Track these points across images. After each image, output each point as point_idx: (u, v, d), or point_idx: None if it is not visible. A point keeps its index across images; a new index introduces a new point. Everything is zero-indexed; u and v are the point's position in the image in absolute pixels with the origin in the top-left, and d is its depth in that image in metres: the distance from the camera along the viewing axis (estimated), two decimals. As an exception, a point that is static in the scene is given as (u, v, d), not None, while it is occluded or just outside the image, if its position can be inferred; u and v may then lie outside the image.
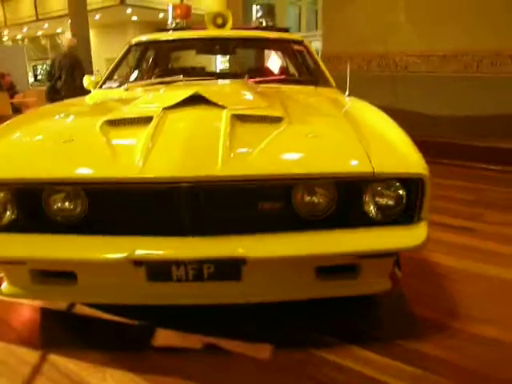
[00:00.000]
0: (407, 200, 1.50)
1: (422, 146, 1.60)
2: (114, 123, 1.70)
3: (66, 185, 1.48)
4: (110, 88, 2.85)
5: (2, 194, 1.51)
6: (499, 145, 4.79)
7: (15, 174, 1.49)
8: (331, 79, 2.92)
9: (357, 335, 1.77)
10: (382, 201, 1.51)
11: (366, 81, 5.36)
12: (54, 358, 1.65)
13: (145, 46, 3.41)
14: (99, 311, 1.94)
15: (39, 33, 21.70)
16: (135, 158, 1.46)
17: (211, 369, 1.59)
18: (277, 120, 1.70)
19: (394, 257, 1.65)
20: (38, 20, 18.64)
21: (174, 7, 3.38)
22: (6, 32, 19.55)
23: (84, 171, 1.48)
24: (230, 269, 1.49)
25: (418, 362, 1.60)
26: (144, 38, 3.18)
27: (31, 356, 1.67)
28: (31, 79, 16.93)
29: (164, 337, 1.78)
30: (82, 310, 1.97)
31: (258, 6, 3.47)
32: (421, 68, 5.33)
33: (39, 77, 20.96)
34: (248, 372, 1.58)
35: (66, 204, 1.51)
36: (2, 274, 1.71)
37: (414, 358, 1.62)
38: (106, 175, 1.45)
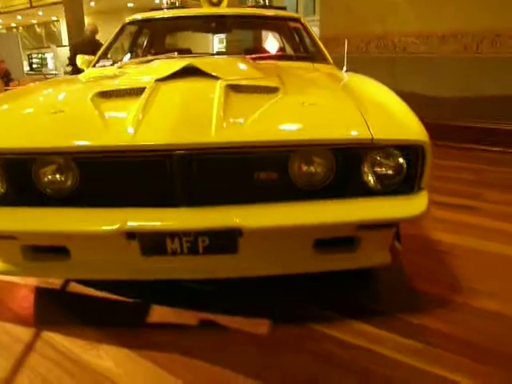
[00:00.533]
0: (407, 169, 1.46)
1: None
2: (106, 95, 1.66)
3: (57, 154, 1.43)
4: (104, 66, 2.79)
5: (-10, 167, 1.47)
6: (499, 126, 4.74)
7: (4, 144, 1.44)
8: (329, 56, 2.86)
9: (356, 309, 1.74)
10: (381, 170, 1.47)
11: (365, 62, 5.27)
12: (49, 336, 1.63)
13: (139, 26, 3.34)
14: (93, 289, 1.91)
15: (34, 21, 21.50)
16: (127, 126, 1.41)
17: (208, 344, 1.56)
18: (272, 90, 1.65)
19: (393, 229, 1.61)
20: (31, 7, 18.43)
21: (169, -14, 3.30)
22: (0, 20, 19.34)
23: (75, 140, 1.43)
24: (225, 241, 1.46)
25: (420, 336, 1.57)
26: (139, 16, 3.11)
27: (26, 334, 1.64)
28: (26, 68, 16.79)
29: (159, 313, 1.75)
30: (75, 287, 1.94)
31: (255, -15, 3.39)
32: (420, 49, 5.25)
33: (34, 66, 20.80)
34: (246, 347, 1.55)
35: (57, 176, 1.47)
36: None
37: (416, 332, 1.60)
38: (97, 143, 1.41)
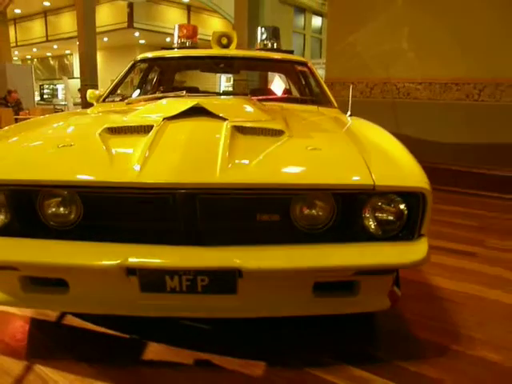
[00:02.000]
0: (408, 215, 1.48)
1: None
2: (114, 131, 1.69)
3: (62, 188, 1.45)
4: (113, 101, 2.86)
5: (-4, 197, 1.48)
6: (500, 172, 4.78)
7: (11, 175, 1.47)
8: (334, 100, 2.93)
9: (353, 355, 1.71)
10: (382, 216, 1.48)
11: (369, 107, 5.39)
12: (40, 369, 1.60)
13: (150, 64, 3.44)
14: (89, 323, 1.89)
15: (48, 53, 22.12)
16: (133, 164, 1.44)
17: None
18: (277, 133, 1.69)
19: (393, 274, 1.61)
20: (47, 41, 19.04)
21: (180, 27, 3.41)
22: (16, 52, 19.92)
23: (80, 175, 1.45)
24: (225, 281, 1.45)
25: (418, 385, 1.55)
26: (149, 54, 3.21)
27: (16, 367, 1.62)
28: (38, 98, 17.14)
29: (155, 351, 1.72)
30: (71, 320, 1.92)
31: (263, 28, 3.51)
32: (422, 95, 5.37)
33: (45, 96, 21.25)
34: (241, 389, 1.52)
35: (61, 209, 1.48)
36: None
37: (414, 380, 1.57)
38: (103, 179, 1.43)
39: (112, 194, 1.45)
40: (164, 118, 1.72)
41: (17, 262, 1.49)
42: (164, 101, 2.10)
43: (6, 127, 2.04)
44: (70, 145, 1.62)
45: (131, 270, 1.42)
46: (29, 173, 1.49)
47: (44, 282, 1.59)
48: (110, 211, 1.49)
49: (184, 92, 2.48)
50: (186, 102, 1.86)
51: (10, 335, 1.84)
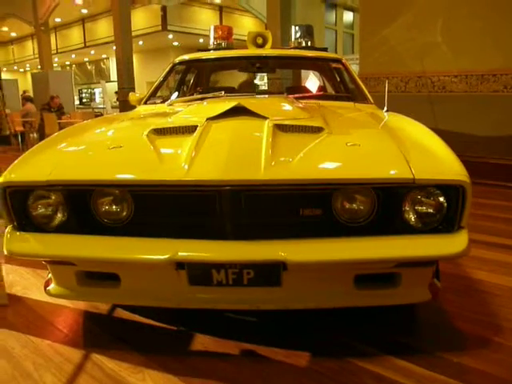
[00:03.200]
0: (447, 208, 1.50)
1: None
2: (160, 132, 1.78)
3: (115, 187, 1.55)
4: (154, 104, 2.96)
5: (54, 197, 1.59)
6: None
7: (67, 176, 1.57)
8: (369, 96, 2.94)
9: (396, 346, 1.74)
10: (422, 209, 1.51)
11: (404, 101, 5.33)
12: (97, 358, 1.70)
13: (187, 65, 3.54)
14: (137, 315, 1.99)
15: (86, 59, 22.79)
16: (181, 163, 1.52)
17: (249, 374, 1.60)
18: (317, 130, 1.74)
19: (433, 266, 1.63)
20: (85, 47, 19.63)
21: (216, 28, 3.50)
22: (56, 59, 20.63)
23: (132, 174, 1.55)
24: (270, 273, 1.51)
25: (461, 375, 1.56)
26: (187, 56, 3.30)
27: (75, 355, 1.73)
28: (77, 102, 17.69)
29: (201, 342, 1.80)
30: (121, 313, 2.02)
31: (297, 27, 3.55)
32: (458, 87, 5.28)
33: (84, 100, 21.91)
34: (286, 379, 1.57)
35: (113, 207, 1.58)
36: (49, 277, 1.80)
37: (457, 371, 1.58)
38: (153, 178, 1.51)
39: (161, 191, 1.54)
40: (207, 119, 1.80)
41: (74, 258, 1.60)
42: (205, 102, 2.18)
43: (57, 133, 2.16)
44: (119, 146, 1.72)
45: (180, 264, 1.50)
46: (83, 174, 1.59)
47: (98, 277, 1.70)
48: (159, 208, 1.58)
49: (223, 92, 2.56)
50: (227, 103, 1.93)
51: (68, 326, 1.96)
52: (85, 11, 17.64)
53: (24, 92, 14.63)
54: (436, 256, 1.52)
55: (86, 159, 1.71)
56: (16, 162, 1.69)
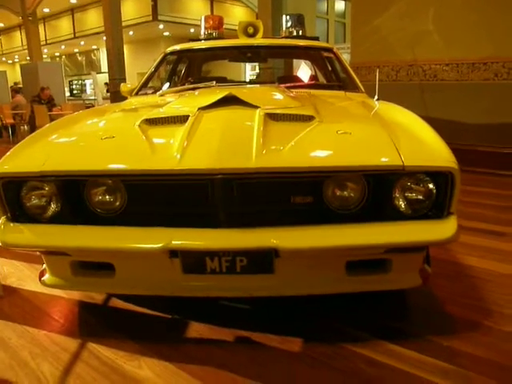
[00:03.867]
0: (437, 194, 1.52)
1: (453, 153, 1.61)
2: (152, 122, 1.79)
3: (108, 177, 1.56)
4: (146, 94, 2.96)
5: (47, 188, 1.60)
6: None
7: (61, 167, 1.58)
8: (361, 85, 2.96)
9: (388, 331, 1.78)
10: (412, 195, 1.53)
11: (396, 90, 5.34)
12: (93, 347, 1.72)
13: (179, 55, 3.53)
14: (132, 304, 2.01)
15: (76, 50, 22.57)
16: (173, 152, 1.53)
17: (243, 360, 1.63)
18: (308, 118, 1.75)
19: (423, 252, 1.66)
20: (75, 38, 19.44)
21: (207, 18, 3.49)
22: (45, 50, 20.42)
23: (125, 164, 1.56)
24: (262, 261, 1.53)
25: (452, 358, 1.60)
26: (178, 47, 3.30)
27: (72, 344, 1.75)
28: (67, 93, 17.54)
29: (195, 329, 1.83)
30: (116, 303, 2.05)
31: (288, 16, 3.54)
32: (450, 76, 5.31)
33: (75, 92, 21.74)
34: (280, 364, 1.60)
35: (107, 197, 1.59)
36: (44, 267, 1.81)
37: (447, 354, 1.62)
38: (146, 167, 1.52)
39: (154, 181, 1.55)
40: (199, 108, 1.81)
41: (68, 248, 1.61)
42: (196, 92, 2.18)
43: (49, 124, 2.16)
44: (111, 137, 1.72)
45: (174, 253, 1.51)
46: (76, 164, 1.60)
47: (92, 266, 1.71)
48: (152, 198, 1.59)
49: (214, 82, 2.56)
50: (218, 92, 1.94)
51: (64, 316, 1.97)
52: (74, 1, 17.45)
53: (15, 84, 14.48)
54: (426, 241, 1.55)
55: (78, 150, 1.71)
56: (8, 153, 1.69)
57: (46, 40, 20.18)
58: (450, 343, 1.69)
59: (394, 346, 1.68)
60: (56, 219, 1.62)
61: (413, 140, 1.64)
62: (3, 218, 1.62)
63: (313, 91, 2.65)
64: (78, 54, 23.45)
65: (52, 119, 8.16)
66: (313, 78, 3.66)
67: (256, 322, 1.86)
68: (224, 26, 3.53)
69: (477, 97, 5.10)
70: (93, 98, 15.66)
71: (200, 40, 3.43)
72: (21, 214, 1.61)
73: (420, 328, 1.81)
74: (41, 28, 17.70)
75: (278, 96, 2.09)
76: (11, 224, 1.61)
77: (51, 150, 1.69)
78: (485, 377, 1.51)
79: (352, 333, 1.77)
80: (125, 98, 3.10)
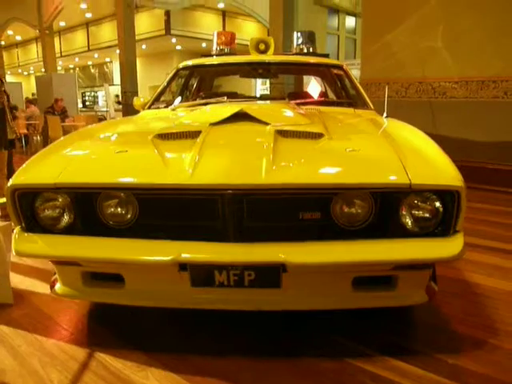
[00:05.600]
0: (443, 212, 1.54)
1: (460, 170, 1.61)
2: (165, 136, 1.83)
3: (120, 190, 1.60)
4: (158, 108, 3.01)
5: (61, 199, 1.64)
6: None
7: (74, 179, 1.62)
8: (370, 102, 2.99)
9: (393, 348, 1.78)
10: (419, 213, 1.55)
11: (405, 106, 5.40)
12: (101, 357, 1.75)
13: (191, 70, 3.59)
14: (140, 316, 2.03)
15: (89, 62, 22.93)
16: (185, 167, 1.57)
17: (250, 374, 1.64)
18: (317, 136, 1.78)
19: (430, 269, 1.67)
20: (89, 50, 19.76)
21: (219, 34, 3.56)
22: (60, 62, 20.77)
23: (137, 178, 1.60)
24: (270, 275, 1.55)
25: (456, 376, 1.60)
26: (191, 62, 3.36)
27: (80, 354, 1.77)
28: (80, 105, 17.78)
29: (203, 341, 1.84)
30: (125, 313, 2.06)
31: (299, 33, 3.61)
32: (459, 93, 5.33)
33: (87, 103, 22.04)
34: (286, 378, 1.61)
35: (119, 209, 1.63)
36: (55, 277, 1.85)
37: (452, 372, 1.62)
38: (158, 182, 1.56)
39: (165, 195, 1.59)
40: (210, 124, 1.85)
41: (80, 258, 1.65)
42: (208, 107, 2.23)
43: (64, 137, 2.21)
44: (125, 151, 1.77)
45: (183, 266, 1.54)
46: (90, 177, 1.64)
47: (103, 277, 1.74)
48: (163, 211, 1.62)
49: (225, 98, 2.61)
50: (229, 108, 1.98)
51: (73, 325, 2.00)
52: (89, 15, 17.77)
53: (33, 95, 14.71)
54: (432, 259, 1.56)
55: (92, 163, 1.75)
56: (24, 165, 1.74)
57: (60, 52, 20.52)
58: (454, 361, 1.69)
59: (398, 362, 1.68)
60: (69, 230, 1.66)
61: (420, 158, 1.67)
62: (18, 228, 1.66)
63: (322, 108, 2.68)
64: (91, 67, 23.82)
65: (65, 130, 8.27)
66: (322, 94, 3.71)
67: (263, 336, 1.87)
68: (236, 41, 3.60)
69: (486, 115, 5.11)
70: (105, 109, 15.85)
71: (212, 55, 3.49)
72: (34, 225, 1.66)
73: (425, 345, 1.81)
74: (56, 41, 18.03)
75: (288, 113, 2.13)
76: (25, 234, 1.65)
77: (66, 162, 1.73)
78: (491, 396, 1.51)
79: (357, 348, 1.78)
80: (137, 111, 3.16)
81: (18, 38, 22.26)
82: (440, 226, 1.55)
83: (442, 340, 1.85)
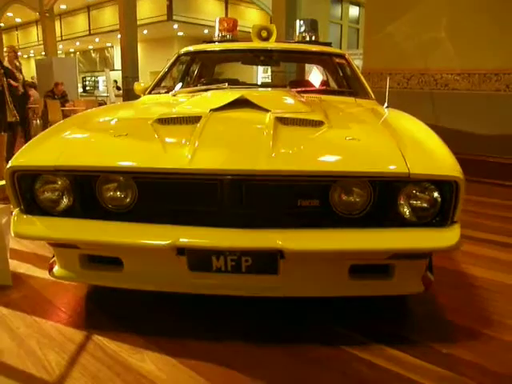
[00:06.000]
0: (441, 202, 1.55)
1: (461, 163, 1.61)
2: (165, 121, 1.82)
3: (120, 173, 1.60)
4: (158, 94, 3.00)
5: (60, 182, 1.64)
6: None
7: (74, 162, 1.62)
8: (371, 92, 2.98)
9: (389, 336, 1.79)
10: (417, 203, 1.56)
11: (406, 97, 5.38)
12: (98, 339, 1.76)
13: (192, 56, 3.57)
14: (137, 299, 2.05)
15: (90, 46, 22.76)
16: (184, 151, 1.57)
17: (244, 359, 1.65)
18: (317, 123, 1.78)
19: (426, 259, 1.68)
20: (90, 34, 19.60)
21: (221, 20, 3.52)
22: (60, 46, 20.62)
23: (136, 162, 1.60)
24: (267, 261, 1.56)
25: (451, 365, 1.62)
26: (192, 48, 3.34)
27: (77, 336, 1.78)
28: (80, 90, 17.69)
29: (198, 325, 1.86)
30: (123, 296, 2.07)
31: (302, 21, 3.58)
32: (461, 85, 5.31)
33: (88, 88, 21.93)
34: (281, 364, 1.63)
35: (118, 193, 1.63)
36: (53, 259, 1.85)
37: (447, 361, 1.64)
38: (157, 166, 1.56)
39: (165, 179, 1.59)
40: (211, 110, 1.84)
41: (78, 241, 1.66)
42: (209, 93, 2.22)
43: (63, 120, 2.20)
44: (125, 134, 1.76)
45: (181, 250, 1.55)
46: (89, 160, 1.64)
47: (101, 260, 1.75)
48: (162, 195, 1.63)
49: (226, 84, 2.60)
50: (230, 94, 1.98)
51: (71, 308, 2.02)
52: (90, -2, 17.63)
53: (32, 78, 14.62)
54: (429, 248, 1.57)
55: (92, 146, 1.75)
56: (24, 147, 1.73)
57: (61, 36, 20.36)
58: (450, 351, 1.70)
59: (395, 351, 1.70)
60: (67, 213, 1.66)
61: (419, 148, 1.67)
62: (17, 209, 1.66)
63: (323, 96, 2.67)
64: (92, 51, 23.66)
65: (64, 115, 8.24)
66: (324, 83, 3.69)
67: (259, 324, 1.88)
68: (238, 29, 3.57)
69: (488, 107, 5.09)
70: (105, 94, 15.78)
71: (214, 42, 3.47)
72: (34, 207, 1.66)
73: (421, 335, 1.83)
74: (57, 24, 17.88)
75: (289, 100, 2.12)
76: (24, 216, 1.65)
77: (65, 145, 1.73)
78: (481, 384, 1.53)
79: (354, 337, 1.79)
80: (137, 96, 3.14)
81: (18, 20, 22.08)
82: (438, 217, 1.56)
83: (438, 330, 1.87)
